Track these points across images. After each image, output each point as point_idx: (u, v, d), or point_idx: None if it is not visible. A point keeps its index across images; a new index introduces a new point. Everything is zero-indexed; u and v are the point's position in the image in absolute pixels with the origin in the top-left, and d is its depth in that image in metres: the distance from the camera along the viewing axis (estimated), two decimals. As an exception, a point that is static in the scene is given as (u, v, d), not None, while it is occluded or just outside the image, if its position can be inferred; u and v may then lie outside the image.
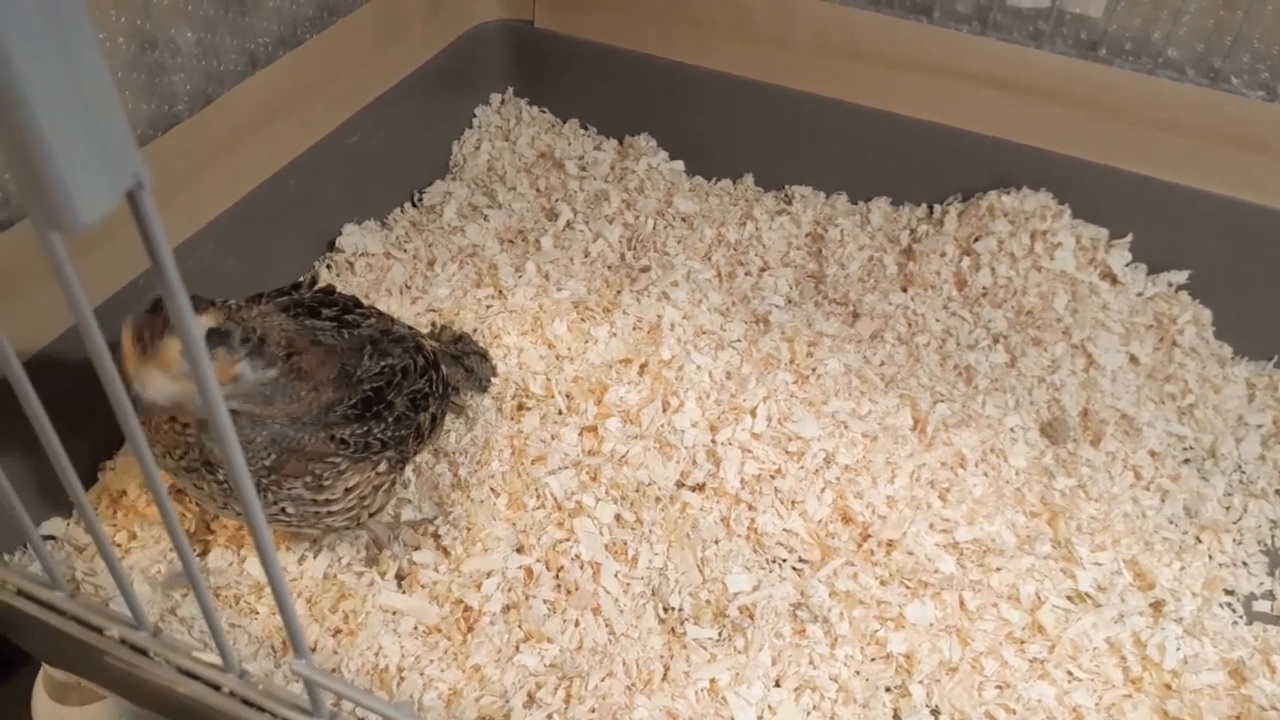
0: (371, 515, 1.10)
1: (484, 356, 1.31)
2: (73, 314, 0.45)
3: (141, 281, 1.17)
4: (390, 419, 1.03)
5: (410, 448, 1.09)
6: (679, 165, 1.69)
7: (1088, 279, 1.43)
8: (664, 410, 1.29)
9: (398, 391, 1.04)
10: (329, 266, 1.48)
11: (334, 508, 1.02)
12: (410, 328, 1.17)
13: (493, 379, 1.32)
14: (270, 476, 0.96)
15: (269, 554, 0.56)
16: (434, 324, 1.30)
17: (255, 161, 1.30)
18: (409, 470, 1.23)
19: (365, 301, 1.13)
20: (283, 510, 0.99)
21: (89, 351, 0.47)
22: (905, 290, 1.48)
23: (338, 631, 1.10)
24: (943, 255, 1.47)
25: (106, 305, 1.13)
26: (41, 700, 1.07)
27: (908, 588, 1.15)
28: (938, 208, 1.55)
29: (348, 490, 1.01)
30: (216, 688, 0.72)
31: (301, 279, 1.10)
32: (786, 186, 1.64)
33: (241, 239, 1.30)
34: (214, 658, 0.71)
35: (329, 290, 1.09)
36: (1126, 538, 1.20)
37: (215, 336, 0.85)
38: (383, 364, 1.03)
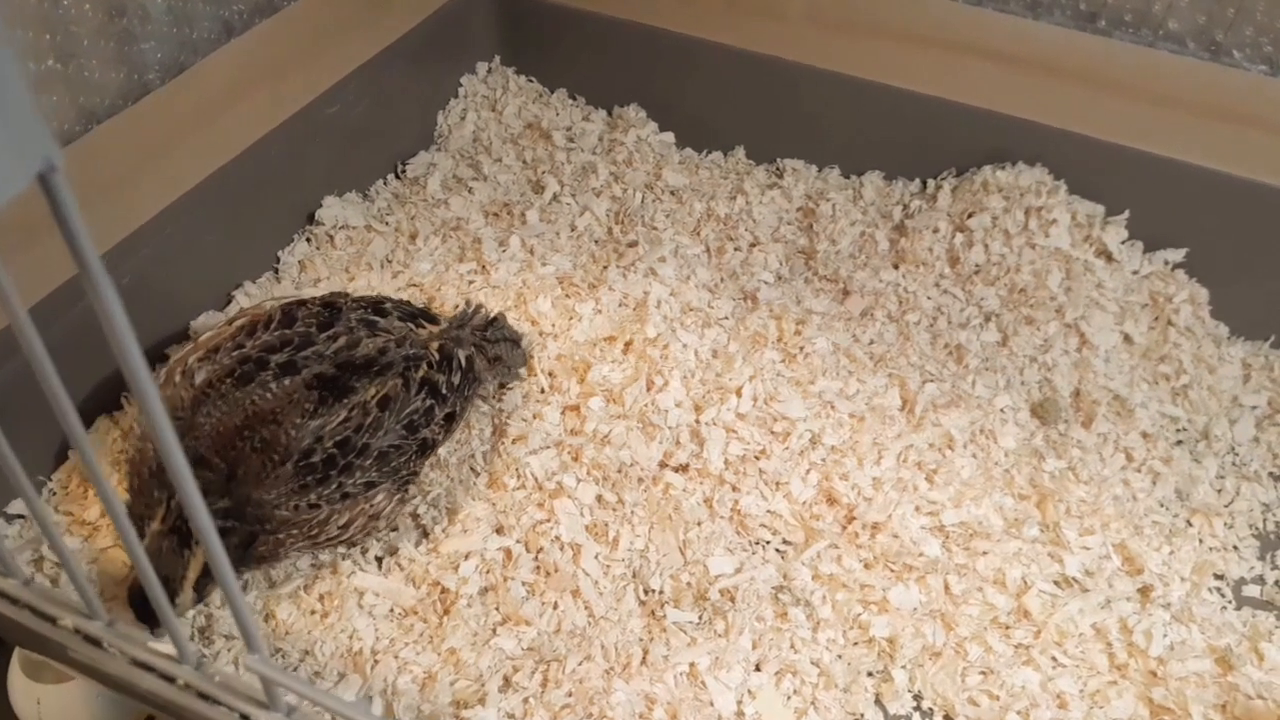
0: (380, 531, 1.09)
1: (516, 343, 1.27)
2: (5, 313, 0.43)
3: (114, 256, 1.15)
4: (368, 463, 1.01)
5: (415, 467, 1.07)
6: (669, 137, 1.65)
7: (1082, 257, 1.40)
8: (648, 389, 1.27)
9: (374, 430, 1.01)
10: (309, 239, 1.45)
11: (340, 539, 1.01)
12: (410, 318, 1.13)
13: (524, 367, 1.28)
14: (248, 564, 0.99)
15: (220, 563, 0.54)
16: (467, 303, 1.24)
17: (232, 132, 1.27)
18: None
19: (351, 290, 1.11)
20: (288, 558, 1.00)
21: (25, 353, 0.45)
22: (897, 267, 1.45)
23: (313, 612, 1.09)
24: (935, 231, 1.44)
25: (65, 287, 1.10)
26: (17, 677, 1.06)
27: (892, 571, 1.13)
28: (931, 183, 1.52)
29: (343, 527, 1.00)
30: (171, 680, 0.70)
31: (263, 310, 1.06)
32: (778, 160, 1.61)
33: (218, 212, 1.27)
34: (169, 648, 0.69)
35: (290, 319, 1.04)
36: (1116, 521, 1.18)
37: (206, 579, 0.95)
38: (348, 405, 1.00)
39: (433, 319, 1.17)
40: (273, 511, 0.97)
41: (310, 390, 0.99)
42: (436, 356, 1.10)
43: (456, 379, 1.11)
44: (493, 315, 1.25)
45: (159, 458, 0.96)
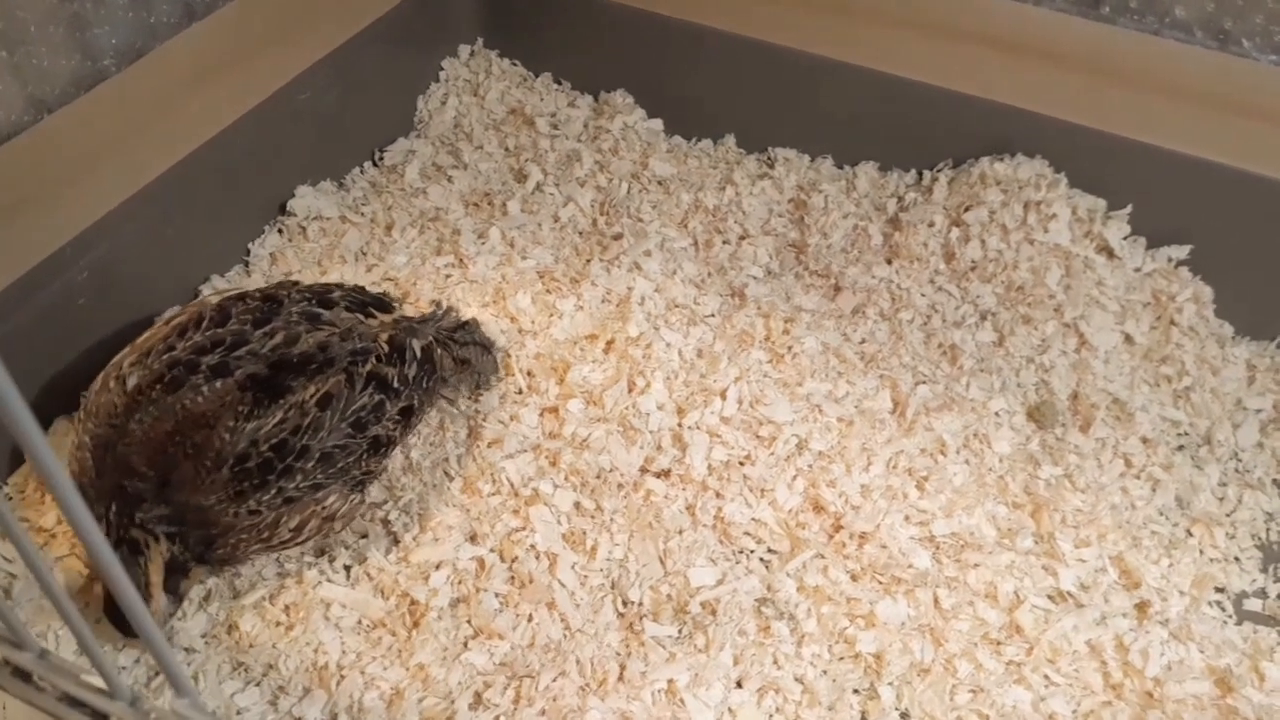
0: (338, 533, 1.05)
1: (487, 349, 1.21)
2: None
3: (69, 250, 1.10)
4: (310, 465, 0.96)
5: (369, 466, 1.02)
6: (657, 124, 1.60)
7: (1083, 253, 1.35)
8: (629, 391, 1.22)
9: (314, 431, 0.96)
10: (280, 230, 1.40)
11: (295, 541, 0.97)
12: (358, 309, 1.07)
13: (496, 376, 1.23)
14: (203, 563, 0.96)
15: (128, 597, 0.49)
16: (438, 304, 1.18)
17: (196, 120, 1.22)
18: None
19: (308, 278, 1.06)
20: (249, 561, 0.96)
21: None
22: (890, 262, 1.40)
23: (278, 624, 1.05)
24: (931, 226, 1.39)
25: (25, 277, 1.06)
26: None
27: (880, 583, 1.09)
28: (927, 174, 1.46)
29: (295, 530, 0.96)
30: (105, 718, 0.65)
31: (198, 307, 1.01)
32: (769, 149, 1.56)
33: (183, 204, 1.22)
34: (100, 681, 0.65)
35: (224, 318, 0.99)
36: (1113, 532, 1.14)
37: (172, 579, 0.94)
38: (284, 405, 0.95)
39: (385, 307, 1.11)
40: (215, 517, 0.93)
41: (244, 392, 0.94)
42: (385, 349, 1.04)
43: (411, 370, 1.05)
44: (464, 319, 1.20)
45: (96, 462, 0.91)
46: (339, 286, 1.09)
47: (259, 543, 0.97)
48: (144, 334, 1.01)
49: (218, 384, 0.94)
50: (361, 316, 1.06)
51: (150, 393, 0.94)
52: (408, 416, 1.05)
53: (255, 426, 0.93)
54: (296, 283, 1.08)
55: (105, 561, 0.50)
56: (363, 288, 1.12)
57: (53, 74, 1.03)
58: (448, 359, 1.13)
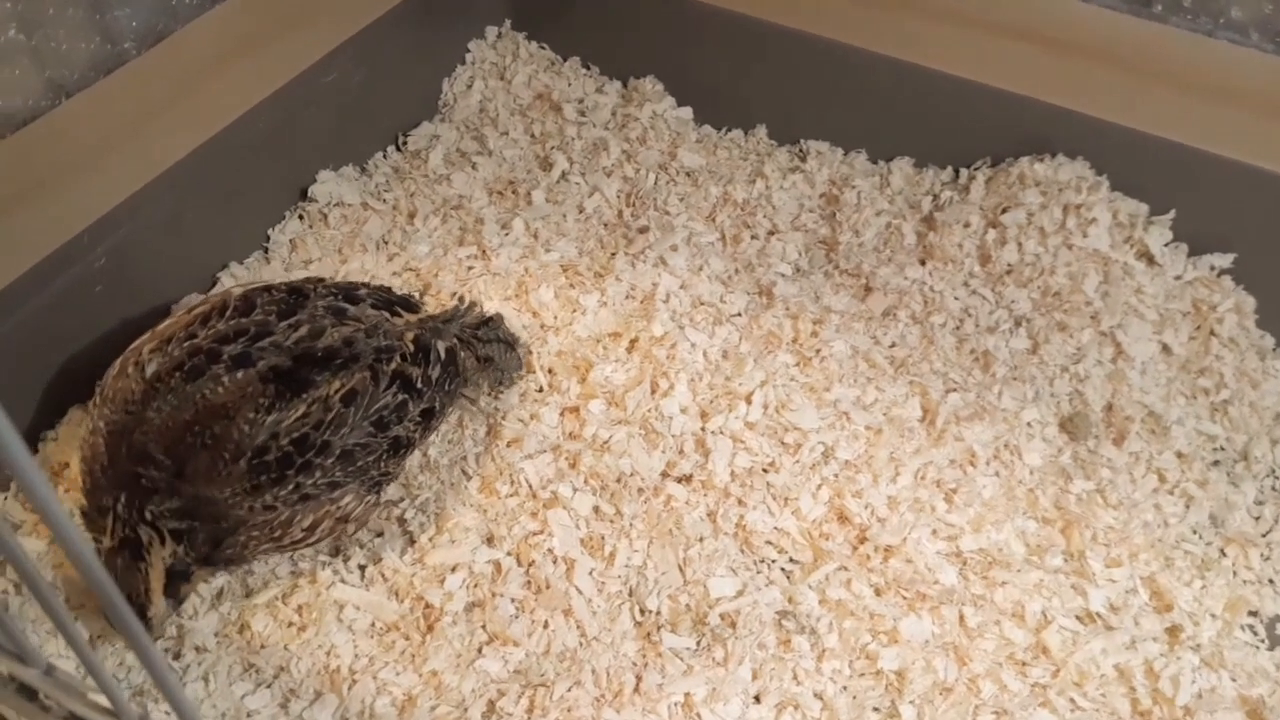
0: (350, 536, 1.03)
1: (510, 346, 1.18)
2: None
3: (86, 237, 1.08)
4: (329, 461, 0.94)
5: (387, 467, 1.00)
6: (686, 113, 1.56)
7: (1122, 259, 1.31)
8: (652, 393, 1.20)
9: (336, 428, 0.94)
10: (301, 216, 1.38)
11: (307, 541, 0.95)
12: (384, 308, 1.05)
13: (519, 374, 1.21)
14: (209, 564, 0.94)
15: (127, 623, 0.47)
16: (461, 299, 1.17)
17: (217, 104, 1.19)
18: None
19: (330, 275, 1.04)
20: (257, 559, 0.94)
21: None
22: (923, 263, 1.36)
23: (290, 624, 1.03)
24: (966, 226, 1.35)
25: (42, 264, 1.04)
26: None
27: (904, 599, 1.07)
28: (964, 172, 1.42)
29: (308, 530, 0.94)
30: (111, 740, 0.64)
31: (221, 297, 0.99)
32: (802, 141, 1.52)
33: (203, 189, 1.20)
34: (106, 700, 0.63)
35: (249, 307, 0.97)
36: (1145, 551, 1.11)
37: (172, 585, 0.93)
38: (307, 399, 0.93)
39: (411, 307, 1.09)
40: (227, 510, 0.91)
41: (265, 384, 0.92)
42: (411, 348, 1.02)
43: (434, 372, 1.03)
44: (489, 315, 1.17)
45: (110, 449, 0.90)
46: (365, 285, 1.07)
47: (270, 541, 0.95)
48: (165, 321, 0.99)
49: (239, 374, 0.92)
50: (387, 314, 1.04)
51: (169, 380, 0.92)
52: (428, 419, 1.03)
53: (276, 419, 0.91)
54: (322, 279, 1.06)
55: (98, 581, 0.48)
56: (389, 288, 1.10)
57: (71, 57, 1.00)
58: (471, 358, 1.11)
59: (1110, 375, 1.25)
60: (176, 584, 0.94)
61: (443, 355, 1.04)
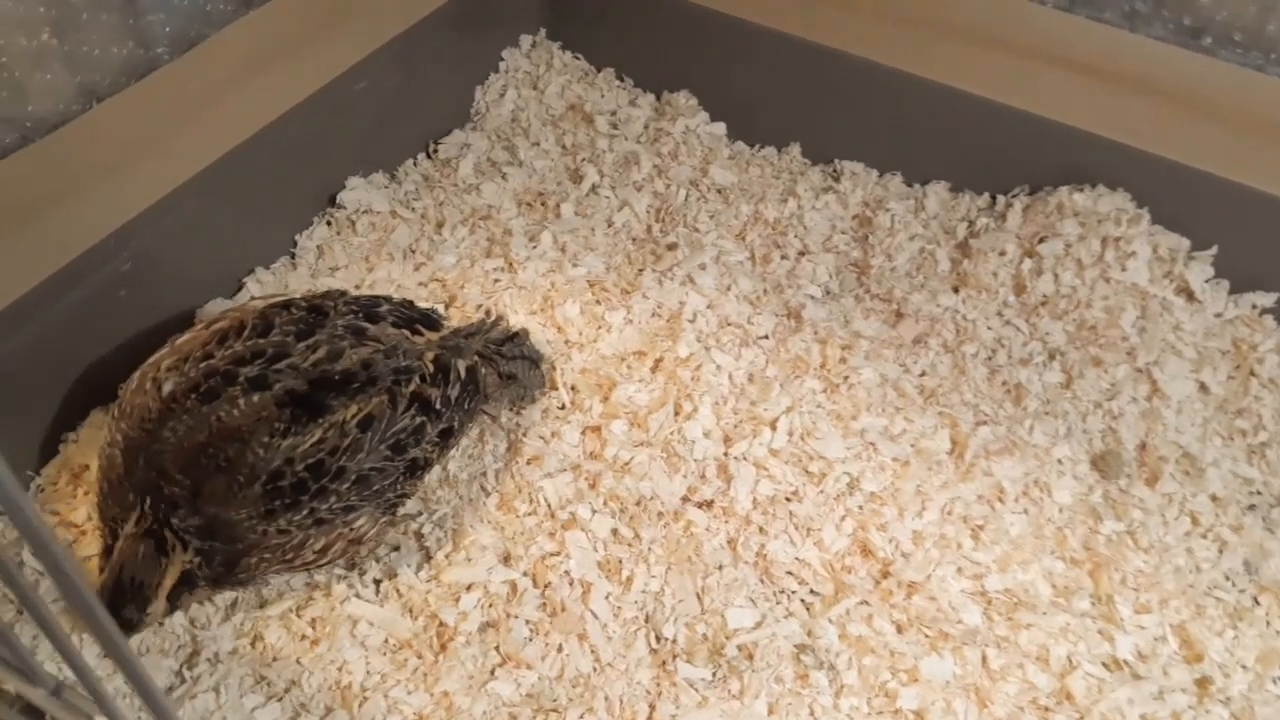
0: (363, 559, 1.02)
1: (535, 363, 1.17)
2: None
3: (113, 241, 1.07)
4: (344, 487, 0.93)
5: (403, 489, 0.99)
6: (719, 128, 1.54)
7: (1161, 294, 1.28)
8: (675, 415, 1.18)
9: (353, 453, 0.92)
10: (329, 223, 1.37)
11: (318, 563, 0.94)
12: (405, 325, 1.04)
13: (542, 391, 1.19)
14: (219, 585, 0.94)
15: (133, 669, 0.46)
16: (487, 314, 1.16)
17: (248, 110, 1.18)
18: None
19: (351, 289, 1.03)
20: (267, 582, 0.92)
21: None
22: (957, 291, 1.34)
23: (304, 638, 1.02)
24: (1002, 255, 1.33)
25: (69, 267, 1.04)
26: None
27: (926, 637, 1.04)
28: (1001, 199, 1.40)
29: (320, 552, 0.93)
30: (116, 766, 0.63)
31: (240, 313, 0.98)
32: (836, 161, 1.49)
33: (230, 195, 1.19)
34: (113, 726, 0.62)
35: (267, 327, 0.96)
36: (1176, 598, 1.08)
37: (177, 589, 0.91)
38: (324, 424, 0.92)
39: (433, 325, 1.07)
40: (243, 533, 0.90)
41: (281, 408, 0.91)
42: (430, 368, 1.00)
43: (454, 392, 1.02)
44: (514, 330, 1.16)
45: (127, 462, 0.89)
46: (387, 300, 1.05)
47: (281, 563, 0.95)
48: (184, 335, 0.98)
49: (255, 398, 0.91)
50: (408, 333, 1.03)
51: (185, 401, 0.91)
52: (446, 438, 1.02)
53: (291, 444, 0.90)
54: (344, 293, 1.04)
55: (87, 608, 0.46)
56: (411, 302, 1.09)
57: (104, 62, 1.00)
58: (493, 375, 1.09)
59: (1145, 413, 1.23)
60: (181, 590, 0.93)
61: (463, 374, 1.03)
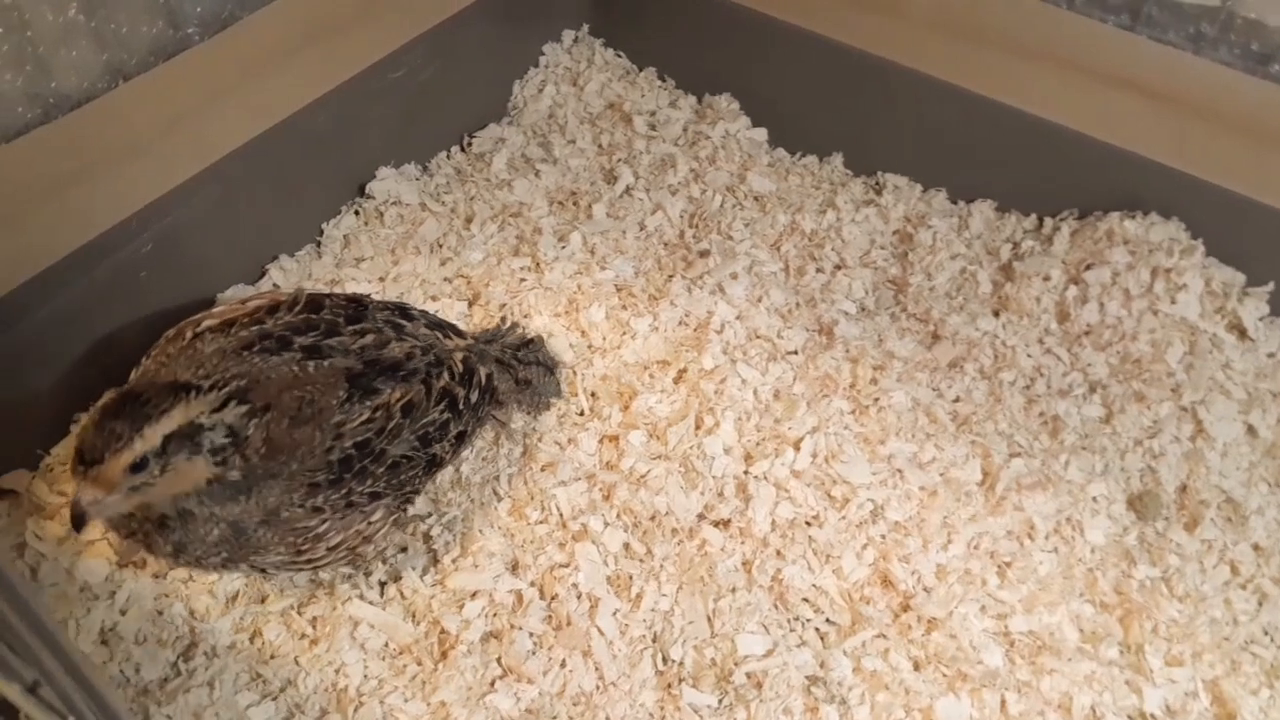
0: (369, 560, 0.99)
1: (550, 370, 1.16)
2: None
3: (135, 222, 1.06)
4: (380, 470, 0.91)
5: (419, 484, 0.96)
6: (760, 134, 1.50)
7: (1211, 330, 1.23)
8: (696, 429, 1.15)
9: (393, 437, 0.91)
10: (357, 213, 1.35)
11: (320, 562, 0.91)
12: (437, 327, 1.02)
13: (557, 398, 1.18)
14: (232, 561, 0.87)
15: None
16: (504, 319, 1.15)
17: (279, 95, 1.17)
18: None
19: (369, 285, 1.00)
20: (264, 571, 0.89)
21: None
22: (997, 315, 1.29)
23: (303, 636, 1.00)
24: (1046, 280, 1.28)
25: (88, 247, 1.02)
26: None
27: (944, 677, 1.00)
28: (1049, 222, 1.35)
29: (331, 549, 0.90)
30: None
31: (283, 297, 0.95)
32: (879, 173, 1.45)
33: (257, 180, 1.18)
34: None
35: (317, 305, 0.94)
36: (1210, 651, 1.03)
37: (180, 440, 0.78)
38: (371, 405, 0.90)
39: (459, 333, 1.06)
40: (279, 494, 0.85)
41: (340, 381, 0.90)
42: (460, 368, 1.00)
43: (474, 396, 1.01)
44: (530, 336, 1.14)
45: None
46: (413, 307, 1.04)
47: (291, 550, 0.91)
48: (219, 307, 0.96)
49: (324, 364, 0.89)
50: (439, 334, 1.02)
51: (243, 354, 0.88)
52: (460, 441, 1.00)
53: (341, 420, 0.88)
54: (372, 297, 1.03)
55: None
56: (429, 313, 1.07)
57: (132, 41, 0.98)
58: (509, 380, 1.08)
59: (1188, 454, 1.17)
60: (181, 446, 0.78)
61: (483, 381, 1.01)
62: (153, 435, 0.76)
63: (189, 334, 0.92)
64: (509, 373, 1.08)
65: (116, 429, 0.75)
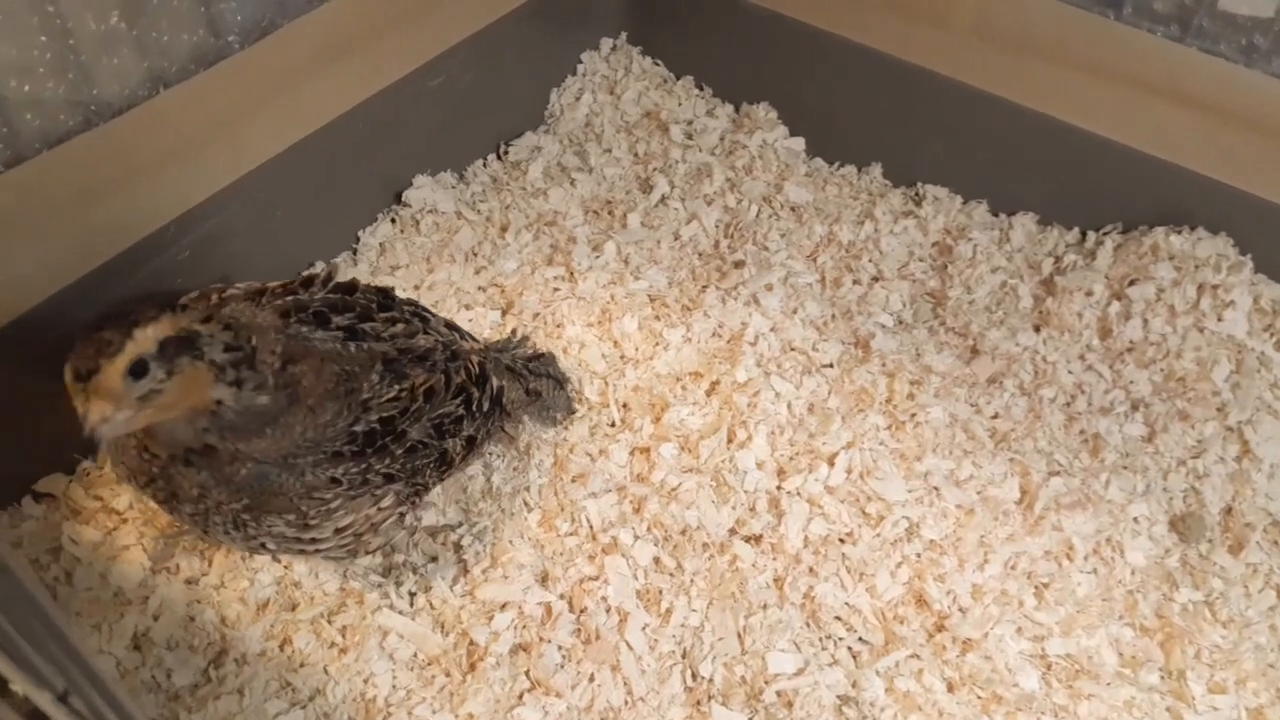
0: (369, 552, 0.99)
1: (560, 383, 1.16)
2: None
3: (172, 229, 1.06)
4: (399, 450, 0.90)
5: (429, 477, 0.96)
6: (798, 144, 1.49)
7: (1259, 348, 1.20)
8: (728, 443, 1.14)
9: (415, 419, 0.91)
10: (393, 220, 1.35)
11: (322, 545, 0.90)
12: (452, 329, 1.02)
13: (568, 414, 1.17)
14: (249, 512, 0.84)
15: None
16: (514, 332, 1.15)
17: (319, 101, 1.17)
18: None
19: (403, 292, 1.00)
20: (262, 545, 0.88)
21: None
22: (1038, 330, 1.27)
23: (332, 645, 1.00)
24: (1089, 295, 1.25)
25: (123, 256, 1.03)
26: None
27: (978, 699, 0.98)
28: (1092, 235, 1.32)
29: (338, 530, 0.89)
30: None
31: (315, 273, 0.94)
32: (919, 184, 1.43)
33: (294, 187, 1.18)
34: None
35: (350, 288, 0.94)
36: (1255, 679, 1.00)
37: (178, 345, 0.72)
38: (398, 388, 0.89)
39: (472, 337, 1.07)
40: (295, 452, 0.83)
41: (377, 362, 0.90)
42: (476, 369, 1.00)
43: (486, 403, 1.01)
44: (540, 351, 1.14)
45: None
46: (426, 307, 1.04)
47: (299, 520, 0.87)
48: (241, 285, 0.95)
49: (364, 346, 0.89)
50: (457, 335, 1.01)
51: (285, 320, 0.87)
52: (470, 446, 1.00)
53: (369, 397, 0.88)
54: (393, 289, 1.03)
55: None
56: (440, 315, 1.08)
57: (173, 49, 0.99)
58: (519, 390, 1.08)
59: (1233, 475, 1.15)
60: (180, 353, 0.73)
61: (494, 391, 1.01)
62: (143, 338, 0.71)
63: (214, 297, 0.90)
64: (519, 382, 1.08)
65: (105, 336, 0.71)
